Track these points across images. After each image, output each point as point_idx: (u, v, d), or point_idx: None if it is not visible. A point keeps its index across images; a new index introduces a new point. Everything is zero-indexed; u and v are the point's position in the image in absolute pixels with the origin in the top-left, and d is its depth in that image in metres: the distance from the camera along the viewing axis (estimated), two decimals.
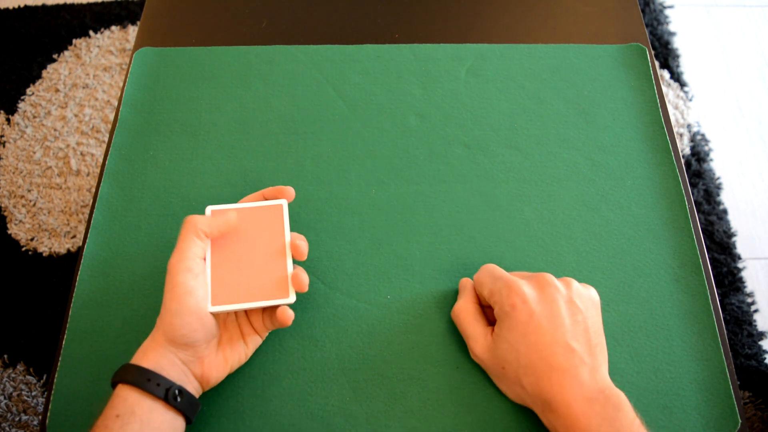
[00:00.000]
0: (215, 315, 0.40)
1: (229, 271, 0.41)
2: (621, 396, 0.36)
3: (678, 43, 1.40)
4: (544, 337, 0.37)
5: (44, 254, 1.14)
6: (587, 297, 0.40)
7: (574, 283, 0.40)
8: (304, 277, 0.41)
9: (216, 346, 0.40)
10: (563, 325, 0.38)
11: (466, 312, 0.43)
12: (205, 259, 0.41)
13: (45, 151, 1.25)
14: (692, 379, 0.44)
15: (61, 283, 1.11)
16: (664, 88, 1.29)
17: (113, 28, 1.42)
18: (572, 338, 0.37)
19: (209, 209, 0.43)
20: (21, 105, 1.31)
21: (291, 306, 0.41)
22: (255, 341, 0.43)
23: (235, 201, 0.46)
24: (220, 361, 0.40)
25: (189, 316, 0.37)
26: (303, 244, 0.42)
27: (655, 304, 0.47)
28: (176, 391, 0.36)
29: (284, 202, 0.44)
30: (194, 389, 0.39)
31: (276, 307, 0.41)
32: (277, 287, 0.41)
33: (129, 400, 0.35)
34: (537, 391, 0.37)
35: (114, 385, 0.37)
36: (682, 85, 1.33)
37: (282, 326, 0.42)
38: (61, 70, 1.36)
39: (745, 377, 1.02)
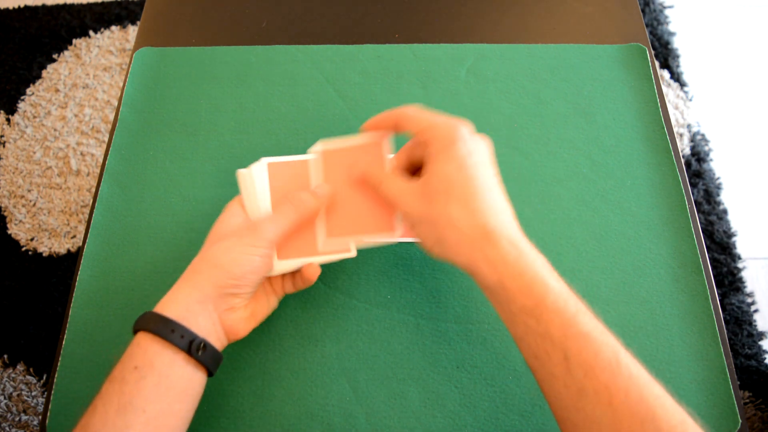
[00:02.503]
0: None
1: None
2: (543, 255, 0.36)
3: (678, 43, 1.40)
4: (483, 172, 0.36)
5: (44, 254, 1.14)
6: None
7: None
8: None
9: (248, 298, 0.41)
10: (493, 171, 0.37)
11: (380, 171, 0.41)
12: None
13: (45, 151, 1.25)
14: (692, 379, 0.44)
15: (61, 283, 1.11)
16: (664, 88, 1.29)
17: (113, 28, 1.42)
18: (498, 185, 0.37)
19: (265, 161, 0.43)
20: (21, 105, 1.31)
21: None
22: (273, 302, 0.43)
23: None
24: (249, 314, 0.40)
25: (254, 270, 0.38)
26: None
27: (655, 304, 0.47)
28: (200, 344, 0.36)
29: (385, 138, 0.42)
30: (219, 341, 0.38)
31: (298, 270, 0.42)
32: (338, 241, 0.42)
33: (149, 351, 0.35)
34: (478, 221, 0.34)
35: (135, 332, 0.36)
36: (682, 85, 1.33)
37: (308, 284, 0.42)
38: (61, 70, 1.36)
39: (745, 377, 1.02)
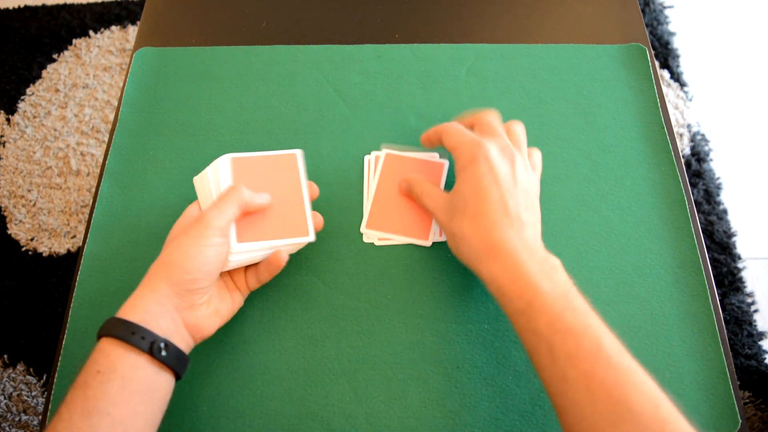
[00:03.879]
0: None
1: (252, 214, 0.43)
2: (557, 260, 0.39)
3: (678, 43, 1.40)
4: (497, 190, 0.40)
5: (44, 254, 1.14)
6: (536, 161, 0.45)
7: (525, 150, 0.45)
8: (320, 218, 0.45)
9: (210, 295, 0.41)
10: (515, 186, 0.41)
11: (424, 182, 0.47)
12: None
13: (45, 151, 1.25)
14: (692, 379, 0.44)
15: (61, 283, 1.11)
16: (664, 88, 1.29)
17: (113, 28, 1.42)
18: (521, 200, 0.40)
19: (227, 157, 0.43)
20: (21, 105, 1.31)
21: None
22: (237, 299, 0.43)
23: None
24: (212, 312, 0.40)
25: (207, 261, 0.38)
26: (314, 185, 0.46)
27: (655, 304, 0.47)
28: (161, 344, 0.36)
29: (298, 152, 0.46)
30: (184, 341, 0.38)
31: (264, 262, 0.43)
32: (297, 227, 0.43)
33: (111, 355, 0.35)
34: (484, 237, 0.39)
35: (99, 339, 0.36)
36: (682, 85, 1.33)
37: (276, 271, 0.43)
38: (61, 70, 1.36)
39: (745, 377, 1.02)
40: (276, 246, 0.42)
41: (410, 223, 0.48)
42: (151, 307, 0.37)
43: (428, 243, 0.48)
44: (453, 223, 0.41)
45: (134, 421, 0.34)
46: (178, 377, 0.38)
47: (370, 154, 0.53)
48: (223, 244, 0.39)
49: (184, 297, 0.38)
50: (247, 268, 0.44)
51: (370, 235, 0.49)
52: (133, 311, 0.36)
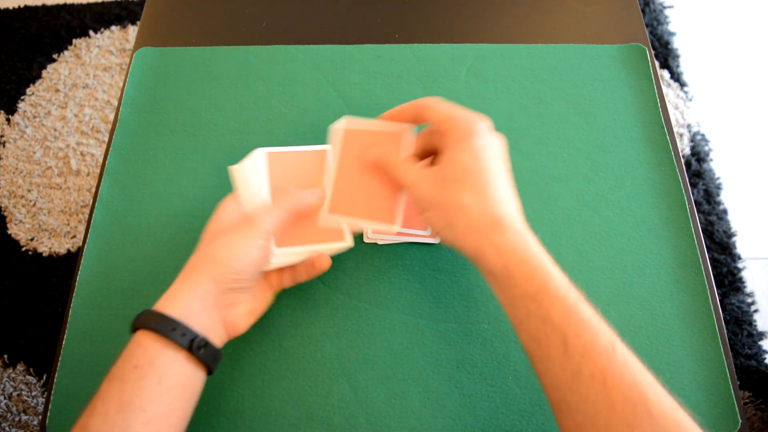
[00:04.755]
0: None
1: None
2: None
3: (678, 43, 1.40)
4: (497, 165, 0.38)
5: (44, 254, 1.14)
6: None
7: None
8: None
9: (248, 294, 0.41)
10: (506, 166, 0.39)
11: (397, 154, 0.42)
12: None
13: (45, 151, 1.25)
14: (692, 379, 0.44)
15: (61, 283, 1.11)
16: (664, 88, 1.29)
17: (113, 28, 1.42)
18: (510, 180, 0.39)
19: (263, 151, 0.43)
20: (21, 105, 1.31)
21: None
22: (270, 298, 0.43)
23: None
24: (248, 310, 0.41)
25: (253, 263, 0.38)
26: None
27: (655, 304, 0.47)
28: (201, 342, 0.35)
29: (329, 148, 0.44)
30: (219, 338, 0.38)
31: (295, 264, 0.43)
32: (335, 231, 0.43)
33: (150, 349, 0.34)
34: (488, 209, 0.36)
35: (134, 330, 0.36)
36: (682, 85, 1.33)
37: (318, 274, 0.43)
38: (61, 70, 1.36)
39: (745, 377, 1.02)
40: (315, 250, 0.42)
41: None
42: (193, 303, 0.36)
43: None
44: (446, 195, 0.37)
45: (169, 417, 0.34)
46: (209, 373, 0.38)
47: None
48: (269, 247, 0.39)
49: (225, 295, 0.38)
50: (282, 267, 0.44)
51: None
52: (173, 306, 0.36)
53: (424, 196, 0.39)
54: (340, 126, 0.44)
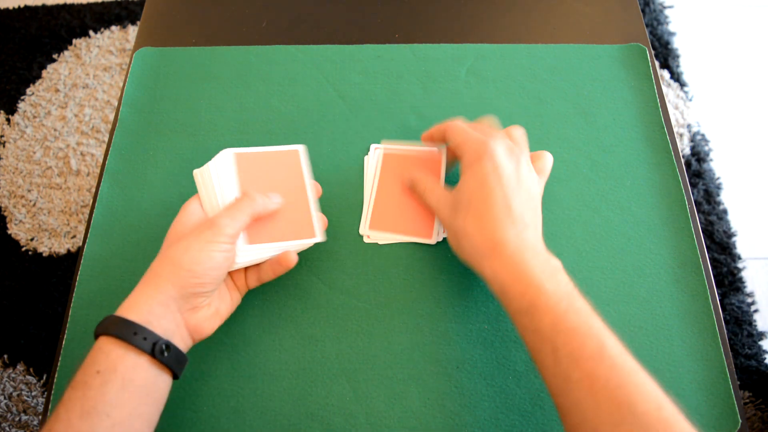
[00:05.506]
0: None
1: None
2: (558, 261, 0.39)
3: (678, 43, 1.40)
4: (501, 189, 0.40)
5: (44, 254, 1.14)
6: (543, 166, 0.45)
7: (527, 153, 0.44)
8: (325, 219, 0.45)
9: (212, 297, 0.41)
10: (519, 187, 0.40)
11: (428, 179, 0.47)
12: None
13: (45, 151, 1.25)
14: (692, 379, 0.44)
15: (61, 283, 1.11)
16: (664, 88, 1.29)
17: (113, 28, 1.42)
18: (525, 200, 0.40)
19: (230, 152, 0.43)
20: (21, 105, 1.31)
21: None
22: (236, 298, 0.43)
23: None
24: (213, 312, 0.40)
25: (216, 266, 0.38)
26: (317, 183, 0.46)
27: (655, 304, 0.47)
28: (163, 346, 0.35)
29: (300, 148, 0.46)
30: (183, 342, 0.38)
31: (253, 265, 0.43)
32: (304, 228, 0.43)
33: (111, 355, 0.34)
34: (487, 235, 0.39)
35: (96, 337, 0.36)
36: (682, 85, 1.33)
37: (283, 271, 0.43)
38: (61, 70, 1.36)
39: (745, 377, 1.02)
40: (284, 247, 0.42)
41: (413, 221, 0.48)
42: (155, 308, 0.36)
43: (432, 241, 0.48)
44: (456, 220, 0.41)
45: (133, 422, 0.34)
46: (175, 377, 0.38)
47: (368, 153, 0.52)
48: (232, 250, 0.39)
49: (188, 299, 0.38)
50: (247, 267, 0.44)
51: (374, 237, 0.49)
52: (135, 311, 0.36)
53: (442, 219, 0.44)
54: (380, 148, 0.51)
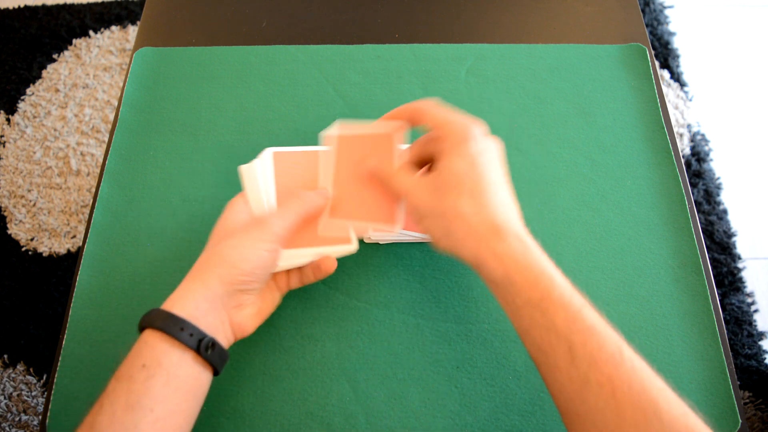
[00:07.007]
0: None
1: None
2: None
3: (678, 43, 1.40)
4: (495, 170, 0.38)
5: (44, 254, 1.14)
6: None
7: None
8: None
9: (256, 296, 0.41)
10: (504, 171, 0.39)
11: (390, 164, 0.42)
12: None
13: (45, 151, 1.25)
14: (692, 379, 0.44)
15: (61, 283, 1.11)
16: (664, 88, 1.29)
17: (113, 28, 1.42)
18: (509, 186, 0.39)
19: (270, 151, 0.44)
20: (21, 105, 1.31)
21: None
22: (277, 299, 0.43)
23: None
24: (256, 311, 0.40)
25: (263, 265, 0.38)
26: None
27: (655, 304, 0.47)
28: (209, 343, 0.35)
29: (331, 150, 0.44)
30: (226, 339, 0.38)
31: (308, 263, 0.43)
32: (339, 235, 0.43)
33: (157, 349, 0.34)
34: (486, 215, 0.35)
35: (141, 330, 0.36)
36: (682, 85, 1.33)
37: (324, 276, 0.43)
38: (61, 70, 1.36)
39: (745, 377, 1.02)
40: (321, 253, 0.42)
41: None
42: (201, 304, 0.36)
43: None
44: (443, 202, 0.37)
45: (176, 418, 0.34)
46: (216, 374, 0.38)
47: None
48: (279, 250, 0.39)
49: (234, 296, 0.38)
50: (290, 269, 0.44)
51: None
52: (181, 305, 0.36)
53: (420, 204, 0.38)
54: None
